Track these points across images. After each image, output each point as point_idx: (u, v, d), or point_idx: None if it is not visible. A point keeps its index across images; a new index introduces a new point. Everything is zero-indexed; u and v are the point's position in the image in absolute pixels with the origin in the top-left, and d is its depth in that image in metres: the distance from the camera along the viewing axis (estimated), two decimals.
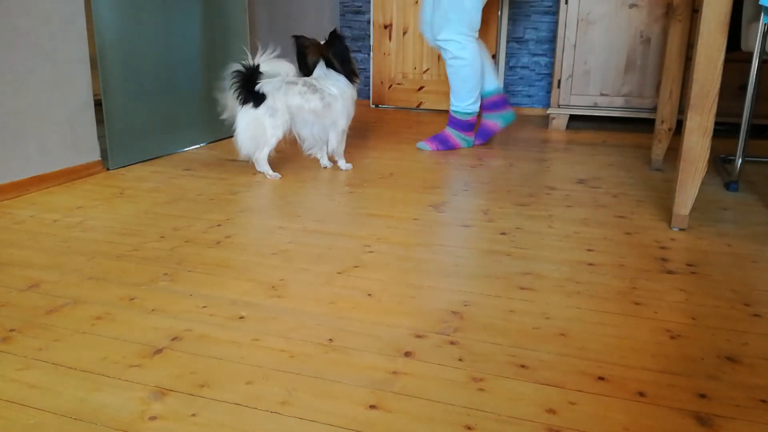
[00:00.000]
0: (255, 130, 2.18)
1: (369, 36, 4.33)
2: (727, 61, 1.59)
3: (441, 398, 0.91)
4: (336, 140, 2.33)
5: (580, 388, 0.94)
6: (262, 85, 2.17)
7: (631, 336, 1.10)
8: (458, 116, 2.80)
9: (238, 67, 2.18)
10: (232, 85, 2.17)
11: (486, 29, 4.02)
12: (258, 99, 2.16)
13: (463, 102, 2.74)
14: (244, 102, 2.17)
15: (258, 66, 2.19)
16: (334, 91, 2.25)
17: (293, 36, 2.33)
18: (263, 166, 2.26)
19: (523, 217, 1.82)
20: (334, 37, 2.25)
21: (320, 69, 2.29)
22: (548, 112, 3.48)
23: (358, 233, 1.66)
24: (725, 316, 1.19)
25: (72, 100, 2.16)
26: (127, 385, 0.94)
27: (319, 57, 2.29)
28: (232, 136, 3.09)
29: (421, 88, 4.17)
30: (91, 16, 2.19)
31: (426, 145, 2.82)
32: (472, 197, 2.03)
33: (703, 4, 1.53)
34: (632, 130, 3.45)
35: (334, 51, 2.25)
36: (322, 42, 2.29)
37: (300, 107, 2.22)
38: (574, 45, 3.33)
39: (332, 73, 2.28)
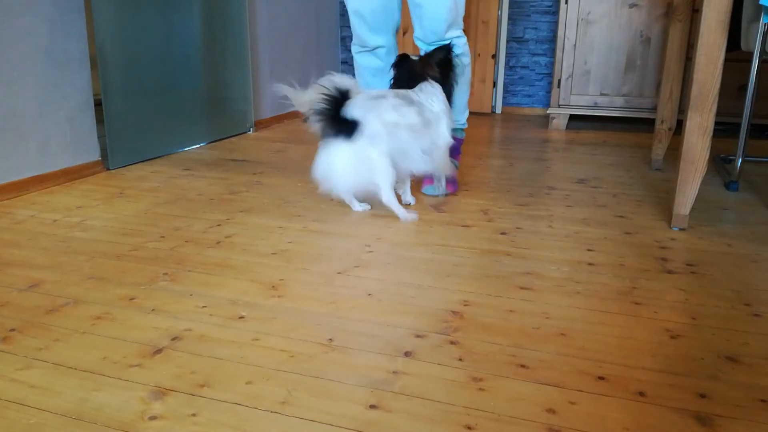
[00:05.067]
0: (357, 166, 1.72)
1: None
2: (727, 61, 1.59)
3: (441, 398, 0.91)
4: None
5: (580, 388, 0.94)
6: (349, 109, 1.71)
7: (631, 336, 1.10)
8: (458, 135, 2.29)
9: (321, 92, 1.67)
10: (317, 115, 1.69)
11: (486, 29, 4.03)
12: (350, 128, 1.70)
13: (465, 114, 2.27)
14: (335, 135, 1.70)
15: (347, 90, 1.72)
16: (436, 107, 1.83)
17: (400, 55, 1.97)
18: (396, 206, 1.79)
19: (523, 217, 1.82)
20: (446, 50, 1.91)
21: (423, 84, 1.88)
22: (548, 111, 3.48)
23: (358, 233, 1.66)
24: (725, 316, 1.19)
25: (72, 100, 2.16)
26: (127, 385, 0.94)
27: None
28: (232, 136, 3.11)
29: None
30: (91, 16, 2.19)
31: (443, 189, 2.06)
32: (472, 197, 2.03)
33: (703, 4, 1.53)
34: (632, 130, 3.45)
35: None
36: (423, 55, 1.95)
37: (395, 124, 1.74)
38: (574, 45, 3.33)
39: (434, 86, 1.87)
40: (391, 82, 1.96)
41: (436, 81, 1.87)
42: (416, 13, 2.04)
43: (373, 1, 2.05)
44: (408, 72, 1.88)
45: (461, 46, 2.08)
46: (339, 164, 1.70)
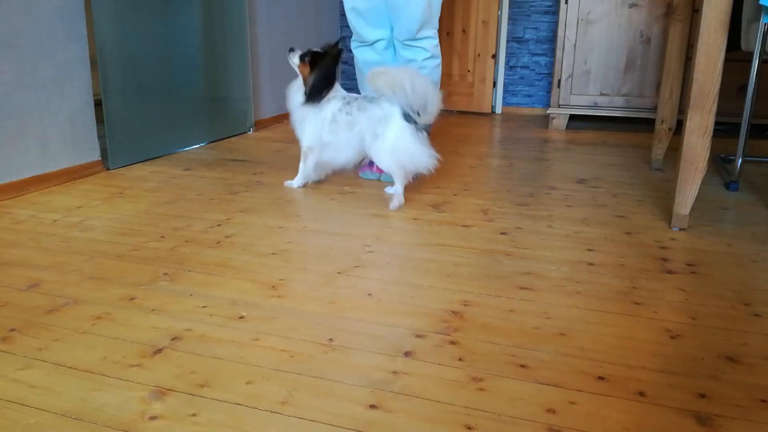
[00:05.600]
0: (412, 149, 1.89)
1: None
2: (727, 61, 1.59)
3: (441, 398, 0.91)
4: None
5: (580, 388, 0.94)
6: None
7: (631, 336, 1.10)
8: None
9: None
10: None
11: (486, 29, 4.03)
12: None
13: None
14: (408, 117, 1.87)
15: None
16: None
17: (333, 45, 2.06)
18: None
19: (523, 217, 1.82)
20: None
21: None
22: (548, 111, 3.48)
23: (358, 233, 1.66)
24: (725, 316, 1.19)
25: (72, 100, 2.16)
26: (127, 385, 0.94)
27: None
28: (232, 136, 3.11)
29: None
30: (91, 16, 2.19)
31: (372, 174, 2.27)
32: (472, 197, 2.03)
33: (703, 4, 1.53)
34: (632, 130, 3.45)
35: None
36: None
37: None
38: (574, 45, 3.33)
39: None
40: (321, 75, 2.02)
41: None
42: (394, 13, 2.17)
43: None
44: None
45: (430, 49, 2.21)
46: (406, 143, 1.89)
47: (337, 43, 2.05)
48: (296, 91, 2.04)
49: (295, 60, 2.03)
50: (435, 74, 2.26)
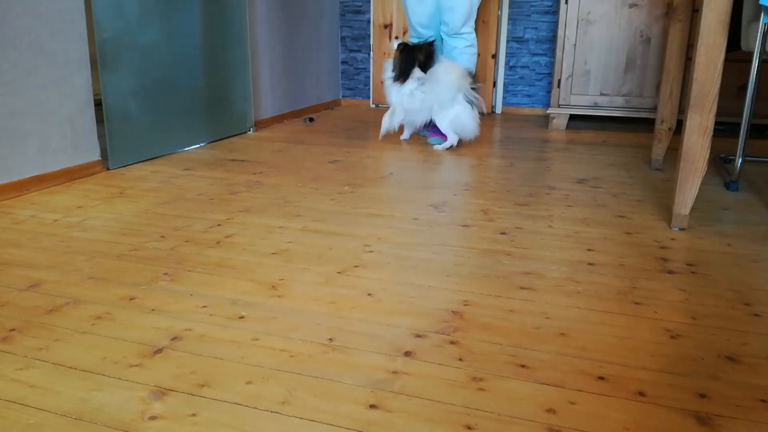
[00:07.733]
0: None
1: (369, 36, 4.33)
2: (727, 61, 1.59)
3: (441, 398, 0.91)
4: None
5: (580, 388, 0.94)
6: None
7: (631, 336, 1.10)
8: None
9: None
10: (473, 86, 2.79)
11: (486, 29, 4.03)
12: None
13: None
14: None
15: None
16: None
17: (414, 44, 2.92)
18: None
19: (523, 217, 1.82)
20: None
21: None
22: (548, 111, 3.48)
23: (358, 233, 1.66)
24: (725, 316, 1.19)
25: (72, 100, 2.16)
26: (127, 385, 0.94)
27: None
28: (232, 136, 3.11)
29: None
30: (91, 16, 2.19)
31: (439, 140, 2.97)
32: (472, 197, 2.03)
33: (703, 4, 1.53)
34: (632, 130, 3.45)
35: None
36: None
37: None
38: (574, 45, 3.33)
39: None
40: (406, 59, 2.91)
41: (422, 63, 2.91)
42: (443, 13, 2.95)
43: (428, 8, 2.96)
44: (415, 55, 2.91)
45: (469, 40, 3.01)
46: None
47: (428, 42, 2.89)
48: (387, 67, 2.94)
49: (394, 46, 2.94)
50: (472, 59, 3.04)
